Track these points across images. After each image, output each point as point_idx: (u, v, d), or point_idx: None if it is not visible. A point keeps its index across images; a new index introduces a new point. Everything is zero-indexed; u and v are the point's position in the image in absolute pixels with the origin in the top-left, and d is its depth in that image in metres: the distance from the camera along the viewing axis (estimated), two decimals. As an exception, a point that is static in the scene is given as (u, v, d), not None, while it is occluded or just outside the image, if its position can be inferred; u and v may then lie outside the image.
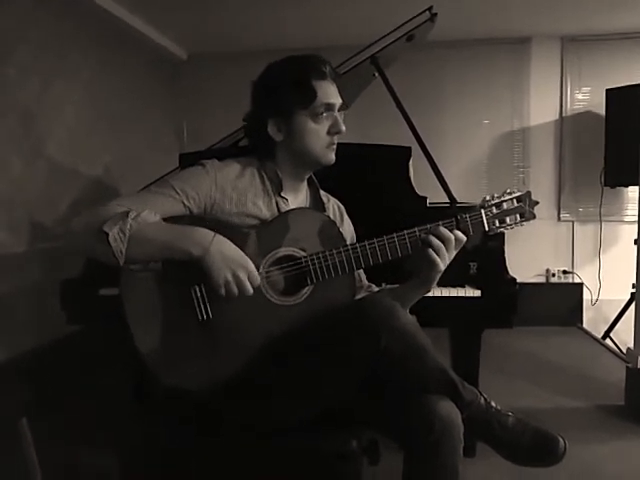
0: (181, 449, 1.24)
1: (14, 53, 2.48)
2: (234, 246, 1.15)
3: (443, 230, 1.21)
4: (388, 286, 1.47)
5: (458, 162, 3.99)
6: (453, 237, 1.21)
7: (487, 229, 1.25)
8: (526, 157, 4.04)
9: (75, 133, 2.91)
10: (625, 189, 3.82)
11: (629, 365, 2.35)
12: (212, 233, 1.13)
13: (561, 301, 3.97)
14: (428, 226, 1.22)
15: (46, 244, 2.64)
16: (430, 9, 2.11)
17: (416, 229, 1.22)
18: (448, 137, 3.99)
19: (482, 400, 1.18)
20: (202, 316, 1.17)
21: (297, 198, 1.36)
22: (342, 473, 1.22)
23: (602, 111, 3.63)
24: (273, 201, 1.30)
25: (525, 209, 1.27)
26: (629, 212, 3.92)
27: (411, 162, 1.95)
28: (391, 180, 1.90)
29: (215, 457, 1.24)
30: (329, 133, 1.28)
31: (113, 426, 2.12)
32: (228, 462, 1.24)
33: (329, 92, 1.26)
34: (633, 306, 3.38)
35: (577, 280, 4.01)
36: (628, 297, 3.42)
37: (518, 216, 1.27)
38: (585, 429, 2.20)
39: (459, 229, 1.22)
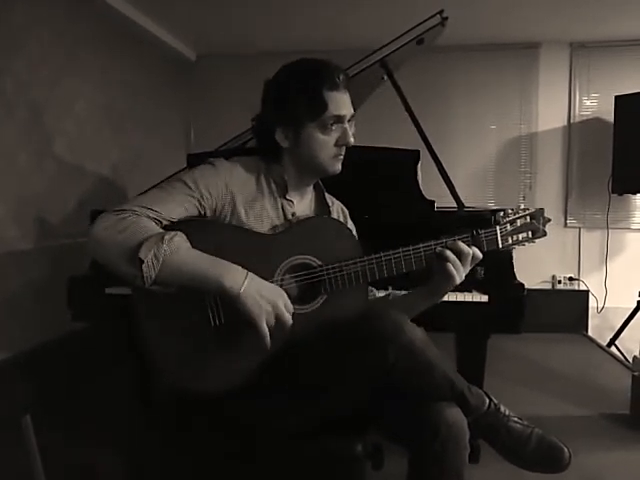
0: (186, 453, 1.24)
1: (25, 50, 2.49)
2: (265, 281, 1.11)
3: (461, 244, 1.20)
4: (394, 291, 1.46)
5: (465, 166, 3.99)
6: (471, 252, 1.20)
7: (501, 246, 1.24)
8: (533, 163, 4.03)
9: (83, 130, 2.92)
10: (632, 196, 3.82)
11: (635, 373, 2.33)
12: (244, 272, 1.08)
13: (567, 308, 3.94)
14: (444, 240, 1.21)
15: (53, 241, 2.65)
16: (441, 13, 2.11)
17: (432, 242, 1.21)
18: (456, 141, 3.99)
19: (491, 404, 1.17)
20: (215, 321, 1.15)
21: (302, 200, 1.35)
22: (346, 477, 1.21)
23: (610, 118, 3.62)
24: (279, 203, 1.28)
25: (537, 227, 1.26)
26: (636, 219, 3.92)
27: (419, 166, 1.94)
28: (399, 183, 1.90)
29: (218, 460, 1.24)
30: (337, 144, 1.26)
31: (117, 427, 2.13)
32: (231, 465, 1.24)
33: (340, 104, 1.24)
34: (639, 314, 3.40)
35: (583, 287, 3.99)
36: (634, 305, 3.40)
37: (530, 233, 1.26)
38: (589, 437, 2.18)
39: (475, 245, 1.21)
